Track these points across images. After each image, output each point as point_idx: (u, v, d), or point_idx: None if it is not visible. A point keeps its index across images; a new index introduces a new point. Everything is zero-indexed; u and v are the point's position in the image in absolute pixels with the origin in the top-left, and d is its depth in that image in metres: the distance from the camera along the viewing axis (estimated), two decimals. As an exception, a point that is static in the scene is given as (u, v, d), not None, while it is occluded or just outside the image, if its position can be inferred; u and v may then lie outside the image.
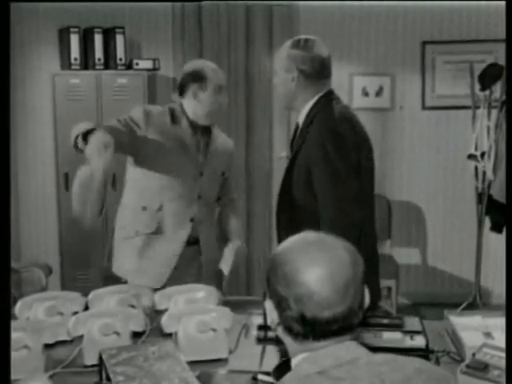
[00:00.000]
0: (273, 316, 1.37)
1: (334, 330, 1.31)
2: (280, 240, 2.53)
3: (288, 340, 1.37)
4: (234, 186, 3.29)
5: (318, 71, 2.48)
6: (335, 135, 2.38)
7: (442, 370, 1.42)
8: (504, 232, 4.81)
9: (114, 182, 4.90)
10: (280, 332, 1.38)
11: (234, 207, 3.22)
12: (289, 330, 1.34)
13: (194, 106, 2.90)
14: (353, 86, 5.31)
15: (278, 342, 1.42)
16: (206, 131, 2.99)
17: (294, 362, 1.36)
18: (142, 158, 2.88)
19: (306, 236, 1.39)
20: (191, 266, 2.96)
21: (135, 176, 2.95)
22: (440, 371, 1.38)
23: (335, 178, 2.36)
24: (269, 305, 1.38)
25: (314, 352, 1.31)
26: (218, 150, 3.03)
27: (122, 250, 2.96)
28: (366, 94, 5.33)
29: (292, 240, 1.40)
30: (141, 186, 2.94)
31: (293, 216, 2.51)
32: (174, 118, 2.92)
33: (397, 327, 2.20)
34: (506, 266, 2.21)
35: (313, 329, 1.31)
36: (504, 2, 2.60)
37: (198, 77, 2.88)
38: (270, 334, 2.11)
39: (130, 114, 2.87)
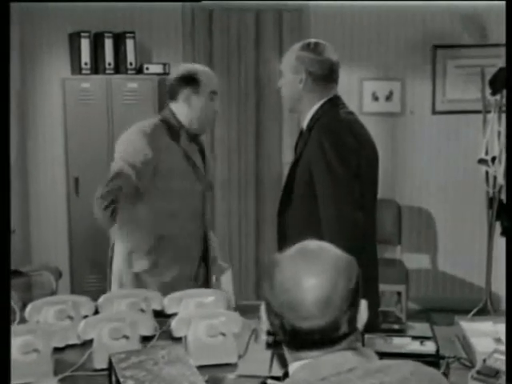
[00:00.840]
0: (265, 320, 1.38)
1: (313, 341, 1.30)
2: (280, 243, 2.53)
3: (283, 346, 1.38)
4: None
5: (326, 75, 2.48)
6: (335, 139, 2.38)
7: (436, 370, 1.43)
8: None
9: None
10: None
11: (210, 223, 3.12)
12: (276, 336, 1.36)
13: (186, 111, 2.78)
14: (363, 91, 5.31)
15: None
16: (196, 139, 2.88)
17: (291, 368, 1.36)
18: (156, 187, 2.74)
19: (306, 245, 1.38)
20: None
21: (145, 213, 2.79)
22: (434, 372, 1.38)
23: (336, 182, 2.35)
24: (262, 309, 1.39)
25: (312, 360, 1.31)
26: (208, 157, 2.95)
27: (145, 286, 2.80)
28: (376, 98, 5.32)
29: (291, 248, 1.39)
30: (153, 217, 2.79)
31: (293, 220, 2.50)
32: (172, 132, 2.77)
33: (407, 333, 2.18)
34: (506, 268, 2.19)
35: (292, 338, 1.32)
36: (504, 2, 2.57)
37: (191, 80, 2.76)
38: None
39: (131, 146, 2.72)
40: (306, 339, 1.30)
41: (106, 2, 5.13)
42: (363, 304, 1.36)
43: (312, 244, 1.38)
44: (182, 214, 2.80)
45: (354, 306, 1.33)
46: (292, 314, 1.29)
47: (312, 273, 1.30)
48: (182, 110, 2.78)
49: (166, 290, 2.54)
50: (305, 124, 2.53)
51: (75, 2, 5.12)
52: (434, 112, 5.33)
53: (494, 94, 4.80)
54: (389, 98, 5.32)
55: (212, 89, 2.78)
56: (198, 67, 2.86)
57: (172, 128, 2.78)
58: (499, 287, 5.25)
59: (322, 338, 1.30)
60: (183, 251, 2.84)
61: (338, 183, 2.35)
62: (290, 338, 1.32)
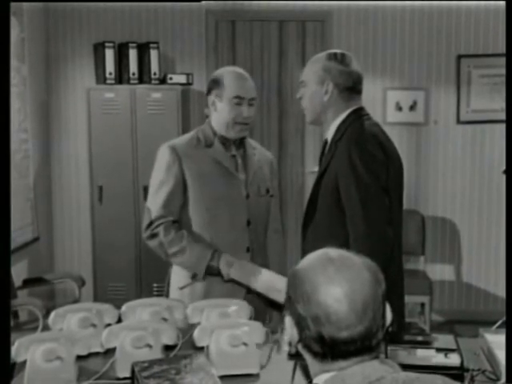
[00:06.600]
0: (292, 332, 1.35)
1: (352, 351, 1.29)
2: (304, 255, 2.50)
3: (308, 358, 1.36)
4: (278, 212, 2.92)
5: (352, 86, 2.44)
6: (364, 152, 2.34)
7: None
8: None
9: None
10: (301, 349, 1.36)
11: (280, 244, 2.95)
12: (308, 348, 1.33)
13: (214, 116, 2.67)
14: (386, 101, 5.29)
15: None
16: (240, 144, 2.73)
17: (317, 380, 1.33)
18: (190, 195, 2.64)
19: (327, 253, 1.36)
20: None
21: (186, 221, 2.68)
22: None
23: (365, 194, 2.31)
24: (288, 321, 1.37)
25: (341, 371, 1.29)
26: (258, 164, 2.76)
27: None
28: (399, 108, 5.30)
29: (312, 257, 1.38)
30: (192, 223, 2.67)
31: (318, 232, 2.48)
32: (206, 141, 2.67)
33: (431, 345, 2.16)
34: (506, 268, 2.16)
35: (331, 349, 1.29)
36: (504, 2, 2.54)
37: (216, 84, 2.63)
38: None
39: (158, 160, 2.66)
40: (346, 349, 1.29)
41: (130, 13, 5.18)
42: (388, 310, 1.36)
43: (332, 252, 1.36)
44: (217, 223, 2.65)
45: (383, 311, 1.33)
46: (330, 324, 1.27)
47: (344, 281, 1.29)
48: (212, 115, 2.68)
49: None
50: (330, 136, 2.48)
51: (95, 11, 5.17)
52: (459, 122, 5.30)
53: (519, 103, 4.76)
54: (413, 107, 5.30)
55: (236, 94, 2.59)
56: (229, 70, 2.69)
57: (206, 136, 2.68)
58: (525, 299, 5.18)
59: (361, 346, 1.29)
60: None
61: (368, 198, 2.31)
62: (329, 350, 1.29)
